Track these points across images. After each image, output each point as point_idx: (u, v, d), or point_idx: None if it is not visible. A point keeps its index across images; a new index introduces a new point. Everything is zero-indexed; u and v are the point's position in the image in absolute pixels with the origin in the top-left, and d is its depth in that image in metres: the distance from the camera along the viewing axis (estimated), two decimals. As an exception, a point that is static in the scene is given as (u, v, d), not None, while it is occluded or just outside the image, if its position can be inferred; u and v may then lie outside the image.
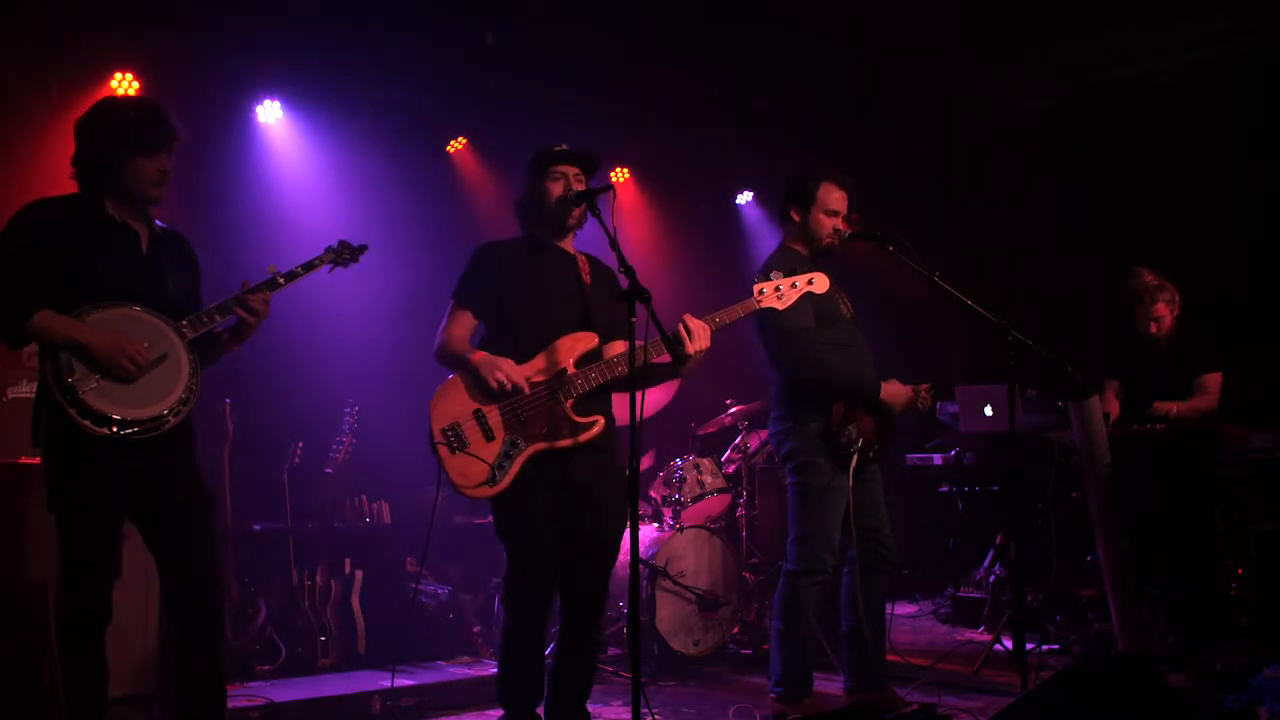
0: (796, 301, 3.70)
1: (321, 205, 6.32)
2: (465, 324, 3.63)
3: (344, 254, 3.61)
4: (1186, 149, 6.57)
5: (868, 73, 7.03)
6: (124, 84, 5.70)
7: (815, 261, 4.22)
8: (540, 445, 3.46)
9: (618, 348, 3.63)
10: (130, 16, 5.54)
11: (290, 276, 3.41)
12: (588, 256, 3.77)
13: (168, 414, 3.12)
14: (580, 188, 3.62)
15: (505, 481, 3.43)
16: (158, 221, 3.41)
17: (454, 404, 3.48)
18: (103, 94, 5.66)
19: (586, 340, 3.57)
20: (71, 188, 3.31)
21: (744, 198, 8.38)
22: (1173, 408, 5.16)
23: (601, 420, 3.53)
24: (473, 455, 3.42)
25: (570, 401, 3.49)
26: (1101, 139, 7.10)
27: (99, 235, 3.20)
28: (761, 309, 3.64)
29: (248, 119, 6.22)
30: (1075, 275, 7.10)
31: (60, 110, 5.54)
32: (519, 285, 3.60)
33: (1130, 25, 6.63)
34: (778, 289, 3.62)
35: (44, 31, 5.39)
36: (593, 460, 3.54)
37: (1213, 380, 5.25)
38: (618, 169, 7.72)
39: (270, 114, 6.24)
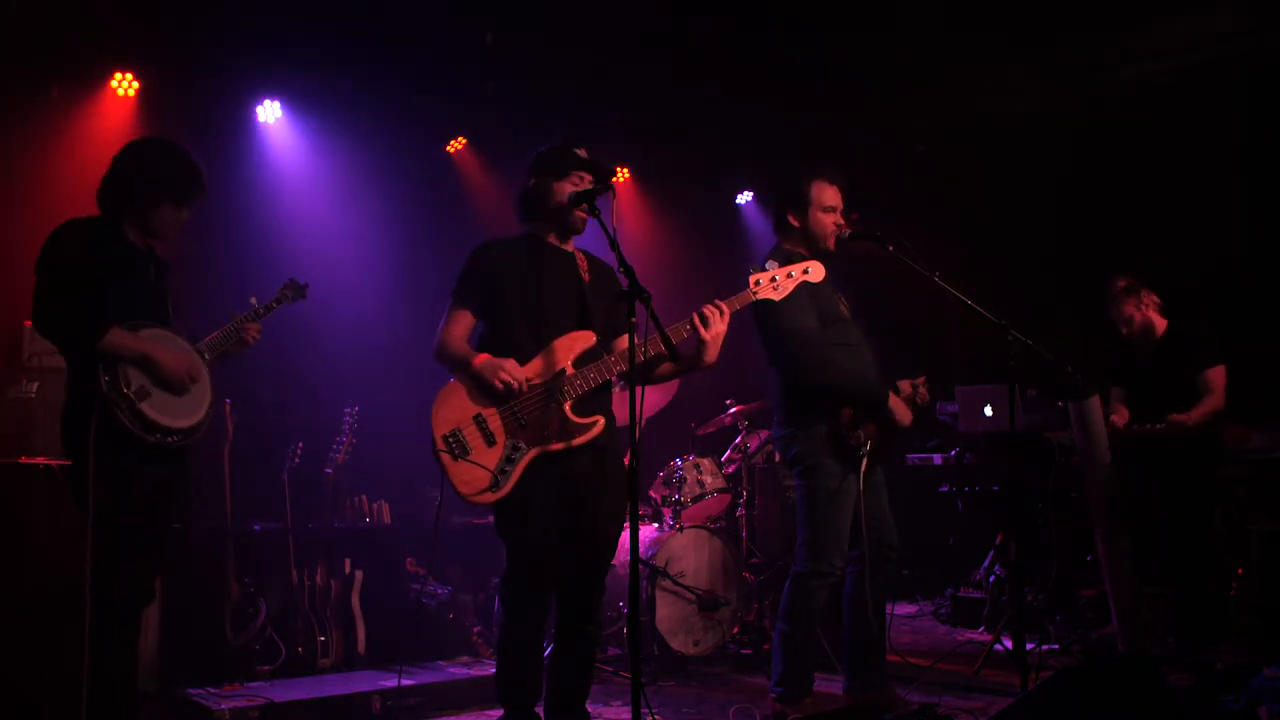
0: (795, 296, 3.69)
1: (321, 205, 6.33)
2: (464, 324, 3.60)
3: (297, 291, 4.03)
4: (1187, 148, 6.57)
5: (868, 73, 7.03)
6: (124, 84, 5.71)
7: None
8: (542, 448, 3.45)
9: (622, 344, 3.61)
10: (130, 16, 5.54)
11: (266, 309, 3.86)
12: (586, 254, 3.75)
13: (195, 427, 3.45)
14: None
15: (508, 486, 3.42)
16: (156, 250, 3.58)
17: (454, 409, 3.46)
18: (103, 94, 5.68)
19: (585, 340, 3.55)
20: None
21: (744, 198, 8.38)
22: (1187, 419, 5.14)
23: (602, 420, 3.51)
24: (474, 463, 3.41)
25: (569, 403, 3.48)
26: (1101, 139, 7.10)
27: (122, 260, 3.42)
28: (759, 301, 3.62)
29: (248, 119, 6.22)
30: (1076, 276, 7.10)
31: (60, 110, 5.55)
32: (517, 285, 3.58)
33: (1130, 25, 6.63)
34: (774, 279, 3.60)
35: (44, 31, 5.39)
36: (592, 459, 3.52)
37: (1216, 375, 5.24)
38: (618, 169, 7.72)
39: (270, 114, 6.24)
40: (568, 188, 3.60)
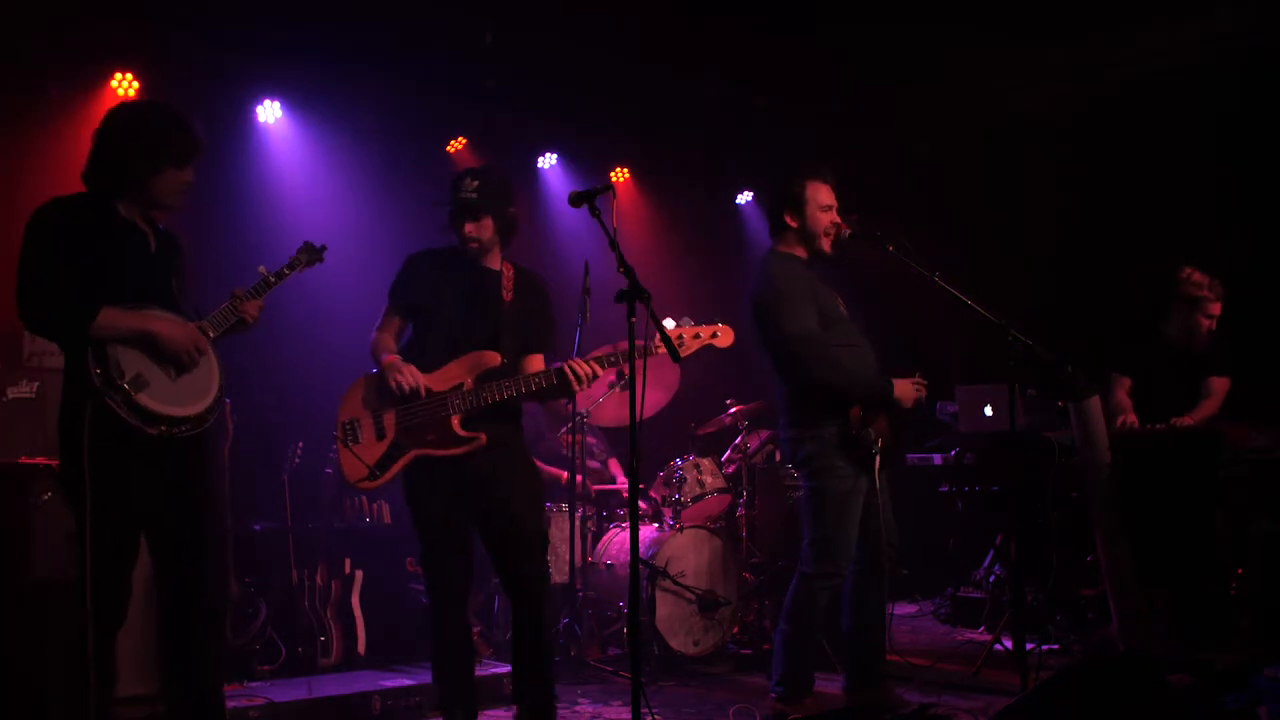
0: (798, 297, 3.82)
1: (321, 205, 6.32)
2: (392, 326, 3.91)
3: (313, 254, 3.74)
4: (1187, 148, 6.57)
5: (867, 72, 7.03)
6: (124, 84, 5.69)
7: (812, 264, 4.22)
8: (421, 451, 3.70)
9: (531, 365, 3.85)
10: (130, 16, 5.53)
11: (279, 276, 3.57)
12: (518, 270, 3.91)
13: (206, 412, 3.23)
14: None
15: (385, 478, 3.72)
16: (160, 224, 3.41)
17: (358, 400, 3.78)
18: (103, 94, 5.67)
19: (489, 359, 3.74)
20: (72, 186, 3.30)
21: (744, 198, 8.38)
22: (1189, 421, 5.14)
23: (482, 437, 3.69)
24: (356, 454, 3.72)
25: (459, 416, 3.68)
26: (1101, 139, 7.10)
27: (113, 237, 3.22)
28: (759, 304, 3.83)
29: (248, 119, 6.22)
30: (1075, 276, 7.10)
31: (59, 110, 5.54)
32: (435, 298, 3.82)
33: (1130, 26, 6.63)
34: (679, 338, 3.69)
35: (43, 31, 5.38)
36: (490, 457, 3.71)
37: (1220, 384, 5.26)
38: (618, 169, 7.72)
39: (270, 114, 6.24)
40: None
